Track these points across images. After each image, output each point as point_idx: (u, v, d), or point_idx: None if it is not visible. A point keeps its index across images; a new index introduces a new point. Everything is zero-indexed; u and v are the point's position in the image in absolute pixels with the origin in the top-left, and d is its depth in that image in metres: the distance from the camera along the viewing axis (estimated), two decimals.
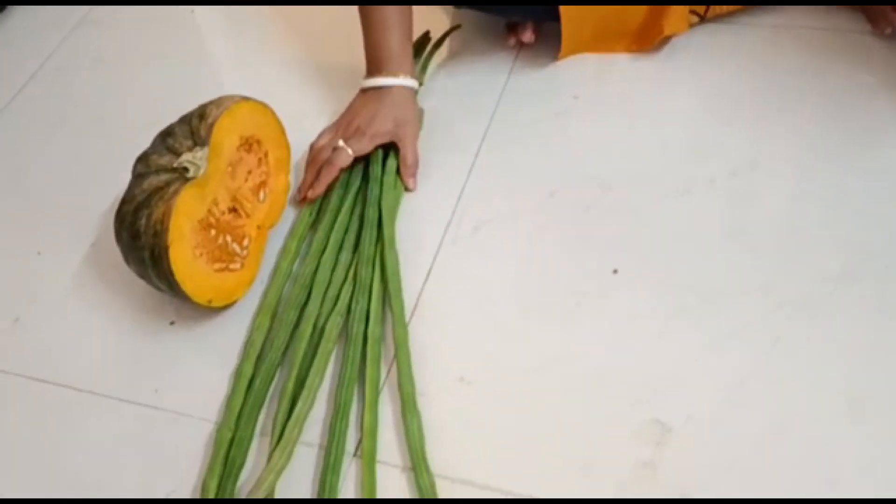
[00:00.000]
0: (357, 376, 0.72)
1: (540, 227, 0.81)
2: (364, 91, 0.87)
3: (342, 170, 0.84)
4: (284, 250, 0.81)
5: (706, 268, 0.76)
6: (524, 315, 0.75)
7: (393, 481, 0.67)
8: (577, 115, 0.90)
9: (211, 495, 0.66)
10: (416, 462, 0.67)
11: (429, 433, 0.69)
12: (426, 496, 0.65)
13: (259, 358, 0.74)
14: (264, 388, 0.72)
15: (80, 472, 0.72)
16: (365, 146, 0.84)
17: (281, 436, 0.68)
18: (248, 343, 0.75)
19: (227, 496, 0.66)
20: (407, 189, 0.85)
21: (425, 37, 0.97)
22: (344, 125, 0.86)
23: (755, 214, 0.78)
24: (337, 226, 0.81)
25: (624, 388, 0.70)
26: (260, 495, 0.64)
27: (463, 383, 0.72)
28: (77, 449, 0.74)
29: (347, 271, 0.78)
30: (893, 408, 0.66)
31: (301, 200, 0.85)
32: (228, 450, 0.69)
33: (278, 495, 0.67)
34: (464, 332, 0.75)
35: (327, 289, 0.77)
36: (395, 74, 0.85)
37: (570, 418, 0.69)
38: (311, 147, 0.87)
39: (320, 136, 0.87)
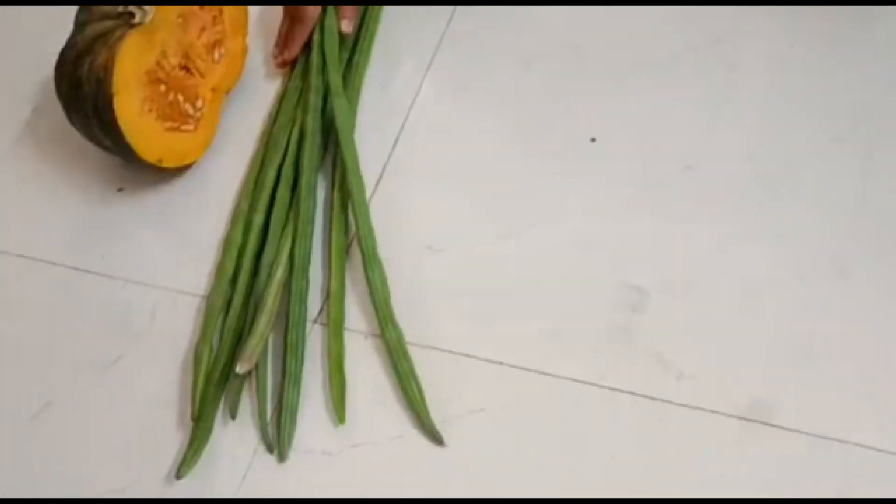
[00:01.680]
0: (308, 238, 0.67)
1: (515, 96, 0.76)
2: None
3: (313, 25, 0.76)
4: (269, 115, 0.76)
5: (687, 136, 0.72)
6: (497, 182, 0.71)
7: (358, 346, 0.64)
8: None
9: (204, 362, 0.62)
10: (382, 316, 0.63)
11: (396, 301, 0.65)
12: (393, 351, 0.62)
13: (246, 225, 0.69)
14: (253, 259, 0.68)
15: (18, 340, 0.68)
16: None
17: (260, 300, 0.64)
18: (235, 210, 0.70)
19: (221, 364, 0.62)
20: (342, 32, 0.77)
21: None
22: None
23: (739, 82, 0.74)
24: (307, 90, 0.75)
25: (599, 254, 0.67)
26: (250, 363, 0.61)
27: (431, 251, 0.68)
28: (17, 316, 0.69)
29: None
30: (878, 268, 0.64)
31: (278, 64, 0.78)
32: (225, 317, 0.65)
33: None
34: (433, 199, 0.71)
35: (298, 150, 0.72)
36: None
37: (543, 284, 0.66)
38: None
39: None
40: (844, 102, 0.72)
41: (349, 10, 0.78)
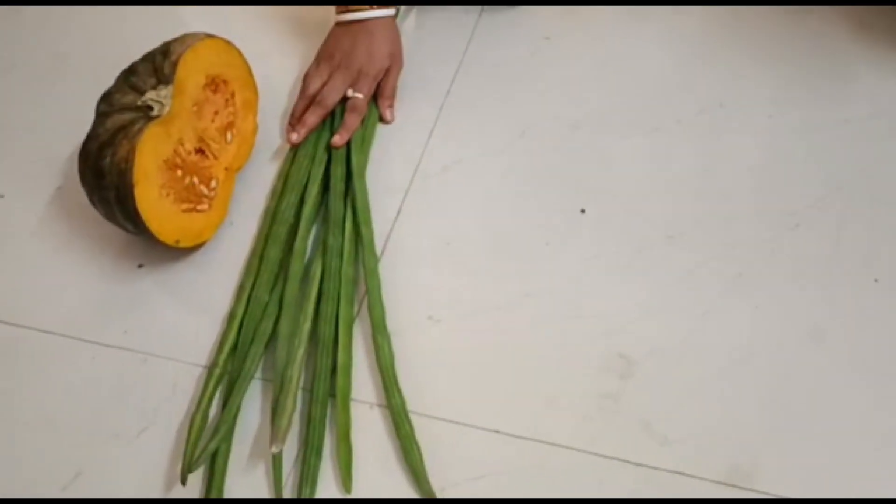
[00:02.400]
0: (334, 314, 0.72)
1: (509, 167, 0.81)
2: (344, 24, 0.84)
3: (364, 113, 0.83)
4: (274, 191, 0.80)
5: (672, 205, 0.76)
6: (493, 254, 0.76)
7: (366, 418, 0.68)
8: (547, 56, 0.89)
9: (195, 430, 0.67)
10: (388, 383, 0.68)
11: (398, 370, 0.70)
12: (398, 416, 0.66)
13: (248, 300, 0.74)
14: (253, 328, 0.72)
15: (48, 414, 0.72)
16: (372, 86, 0.83)
17: (282, 380, 0.68)
18: (241, 284, 0.75)
19: (216, 438, 0.66)
20: (384, 121, 0.84)
21: None
22: (343, 68, 0.83)
23: (721, 151, 0.79)
24: (314, 164, 0.80)
25: (589, 324, 0.71)
26: (279, 446, 0.65)
27: (431, 321, 0.73)
28: (44, 390, 0.74)
29: (319, 207, 0.78)
30: (852, 335, 0.68)
31: (292, 142, 0.83)
32: (215, 388, 0.70)
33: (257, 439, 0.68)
34: (432, 270, 0.76)
35: (308, 228, 0.77)
36: (374, 6, 0.83)
37: (537, 353, 0.70)
38: (307, 87, 0.84)
39: (313, 75, 0.84)
40: (822, 171, 0.76)
41: (389, 98, 0.85)
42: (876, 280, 0.70)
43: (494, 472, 0.65)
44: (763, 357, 0.68)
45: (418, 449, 0.65)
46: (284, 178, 0.81)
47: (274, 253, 0.76)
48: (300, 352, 0.69)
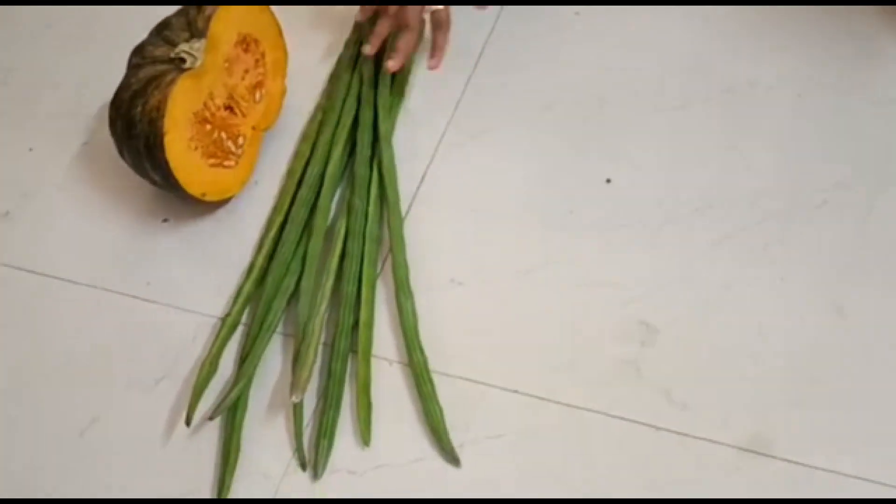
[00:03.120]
0: (357, 272, 0.72)
1: (535, 138, 0.81)
2: None
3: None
4: (298, 153, 0.81)
5: (697, 178, 0.76)
6: (517, 221, 0.76)
7: (384, 372, 0.69)
8: (576, 31, 0.89)
9: (202, 377, 0.67)
10: (410, 341, 0.68)
11: (420, 331, 0.70)
12: (419, 374, 0.66)
13: (272, 255, 0.74)
14: (276, 283, 0.72)
15: (68, 360, 0.73)
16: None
17: (304, 334, 0.68)
18: (261, 239, 0.75)
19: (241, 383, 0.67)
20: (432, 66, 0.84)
21: None
22: None
23: (749, 129, 0.79)
24: (339, 127, 0.80)
25: (611, 291, 0.71)
26: (299, 395, 0.65)
27: (454, 283, 0.73)
28: (66, 338, 0.75)
29: (345, 170, 0.78)
30: (876, 309, 0.67)
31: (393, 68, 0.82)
32: (227, 336, 0.70)
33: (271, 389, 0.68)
34: (456, 235, 0.76)
35: (334, 189, 0.77)
36: None
37: (558, 318, 0.70)
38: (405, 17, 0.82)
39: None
40: (851, 150, 0.76)
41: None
42: None
43: (512, 430, 0.65)
44: (785, 329, 0.67)
45: (439, 406, 0.66)
46: (311, 142, 0.81)
47: (298, 212, 0.76)
48: (322, 306, 0.70)
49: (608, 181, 0.77)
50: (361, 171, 0.77)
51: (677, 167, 0.77)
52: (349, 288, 0.71)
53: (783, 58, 0.83)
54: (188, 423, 0.65)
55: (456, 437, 0.65)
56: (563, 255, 0.73)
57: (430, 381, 0.67)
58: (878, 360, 0.65)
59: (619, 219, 0.75)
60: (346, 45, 0.87)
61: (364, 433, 0.65)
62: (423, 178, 0.80)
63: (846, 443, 0.62)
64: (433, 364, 0.68)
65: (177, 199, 0.79)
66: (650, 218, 0.74)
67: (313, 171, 0.78)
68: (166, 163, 0.72)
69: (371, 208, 0.75)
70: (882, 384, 0.64)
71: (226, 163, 0.78)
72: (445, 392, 0.67)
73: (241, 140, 0.79)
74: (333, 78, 0.85)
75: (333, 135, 0.80)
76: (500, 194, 0.78)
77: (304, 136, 0.82)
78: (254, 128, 0.81)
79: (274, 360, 0.70)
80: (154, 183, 0.77)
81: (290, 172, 0.80)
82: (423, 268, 0.74)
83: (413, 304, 0.70)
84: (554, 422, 0.65)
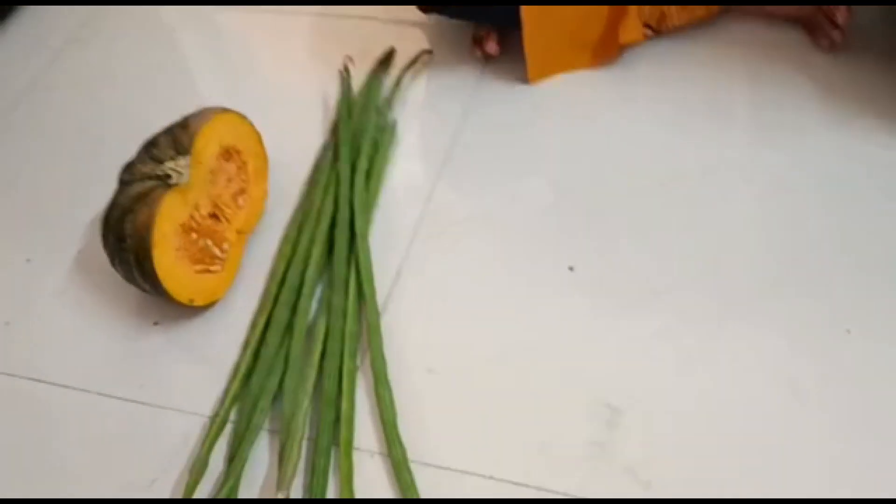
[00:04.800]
0: (338, 369, 0.76)
1: (502, 230, 0.87)
2: None
3: None
4: (280, 254, 0.86)
5: (657, 263, 0.81)
6: (487, 310, 0.81)
7: (368, 466, 0.72)
8: (539, 125, 0.95)
9: (194, 475, 0.70)
10: (389, 433, 0.72)
11: (398, 421, 0.74)
12: (397, 466, 0.70)
13: (257, 355, 0.79)
14: (261, 383, 0.76)
15: (66, 464, 0.76)
16: None
17: (288, 431, 0.72)
18: (247, 339, 0.80)
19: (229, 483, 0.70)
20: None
21: (389, 54, 1.03)
22: None
23: (704, 214, 0.84)
24: (318, 228, 0.86)
25: (578, 374, 0.75)
26: (285, 492, 0.68)
27: (430, 374, 0.77)
28: (64, 443, 0.78)
29: (324, 269, 0.83)
30: (829, 387, 0.71)
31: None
32: (216, 435, 0.74)
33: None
34: (430, 326, 0.80)
35: (313, 288, 0.82)
36: None
37: (529, 403, 0.74)
38: None
39: None
40: (804, 231, 0.81)
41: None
42: (848, 331, 0.74)
43: None
44: (742, 407, 0.71)
45: (417, 495, 0.69)
46: (292, 243, 0.86)
47: (281, 313, 0.81)
48: (305, 403, 0.74)
49: (571, 269, 0.82)
50: (340, 270, 0.82)
51: (636, 252, 0.82)
52: (330, 384, 0.75)
53: (729, 142, 0.90)
54: None
55: None
56: (532, 341, 0.78)
57: (409, 471, 0.70)
58: (832, 436, 0.69)
59: (583, 304, 0.79)
60: (324, 148, 0.93)
61: None
62: (398, 272, 0.84)
63: None
64: (412, 454, 0.72)
65: (166, 303, 0.83)
66: (612, 302, 0.79)
67: (294, 271, 0.83)
68: (155, 274, 0.77)
69: (350, 306, 0.80)
70: (838, 460, 0.68)
71: (212, 268, 0.83)
72: (424, 480, 0.70)
73: (225, 245, 0.85)
74: (312, 180, 0.91)
75: (312, 236, 0.86)
76: (471, 285, 0.82)
77: (285, 238, 0.88)
78: (238, 232, 0.86)
79: (261, 456, 0.74)
80: (144, 291, 0.81)
81: (272, 274, 0.85)
82: (400, 359, 0.78)
83: (391, 395, 0.75)
84: None
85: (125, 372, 0.82)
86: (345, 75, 1.00)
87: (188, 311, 0.83)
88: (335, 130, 0.94)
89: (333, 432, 0.73)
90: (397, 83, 1.00)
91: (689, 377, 0.73)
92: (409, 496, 0.69)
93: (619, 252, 0.83)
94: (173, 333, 0.83)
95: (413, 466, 0.71)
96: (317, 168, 0.92)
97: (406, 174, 0.92)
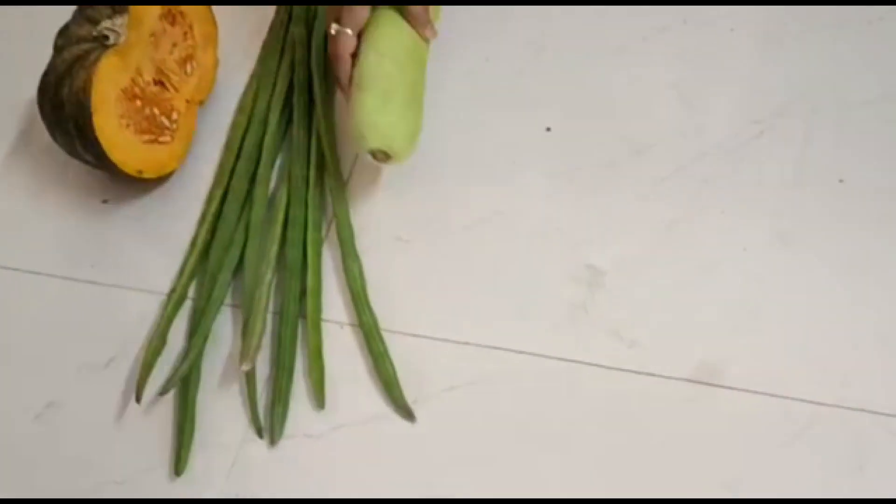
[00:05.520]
0: (302, 239, 0.72)
1: (475, 89, 0.81)
2: None
3: (353, 54, 0.72)
4: (234, 124, 0.79)
5: (638, 121, 0.76)
6: (459, 175, 0.76)
7: (336, 337, 0.68)
8: None
9: (150, 352, 0.67)
10: (358, 302, 0.68)
11: (369, 291, 0.70)
12: (369, 334, 0.66)
13: (215, 228, 0.74)
14: (220, 256, 0.72)
15: (18, 347, 0.73)
16: (361, 15, 0.71)
17: (251, 304, 0.68)
18: (203, 213, 0.75)
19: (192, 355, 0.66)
20: (425, 37, 0.74)
21: None
22: (329, 9, 0.72)
23: (684, 66, 0.78)
24: (274, 95, 0.79)
25: (557, 238, 0.71)
26: (249, 364, 0.65)
27: (400, 242, 0.73)
28: (16, 327, 0.74)
29: (283, 137, 0.77)
30: (816, 235, 0.68)
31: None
32: (174, 311, 0.70)
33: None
34: (400, 192, 0.75)
35: (273, 157, 0.77)
36: None
37: (506, 269, 0.70)
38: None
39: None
40: (788, 77, 0.76)
41: (421, 16, 0.73)
42: (841, 181, 0.70)
43: (466, 382, 0.65)
44: (729, 262, 0.68)
45: (391, 363, 0.66)
46: (248, 112, 0.80)
47: (238, 184, 0.75)
48: (268, 275, 0.69)
49: (548, 129, 0.77)
50: (299, 137, 0.76)
51: (617, 110, 0.77)
52: (294, 254, 0.71)
53: None
54: (138, 399, 0.65)
55: (410, 394, 0.65)
56: (508, 206, 0.73)
57: (381, 339, 0.67)
58: (821, 286, 0.66)
59: (562, 166, 0.75)
60: (277, 12, 0.86)
61: (319, 397, 0.65)
62: None
63: (794, 367, 0.63)
64: (384, 323, 0.68)
65: (115, 180, 0.78)
66: (592, 163, 0.74)
67: (250, 141, 0.77)
68: (98, 142, 0.71)
69: (312, 172, 0.75)
70: (825, 308, 0.65)
71: (161, 138, 0.77)
72: (397, 349, 0.67)
73: (174, 115, 0.78)
74: (266, 45, 0.84)
75: (269, 103, 0.79)
76: (441, 148, 0.77)
77: (239, 107, 0.81)
78: (187, 101, 0.80)
79: (224, 332, 0.70)
80: (89, 164, 0.75)
81: (227, 145, 0.79)
82: (368, 228, 0.73)
83: (360, 265, 0.70)
84: (507, 370, 0.65)
85: (75, 252, 0.77)
86: None
87: (139, 187, 0.78)
88: None
89: (300, 304, 0.69)
90: None
91: (672, 234, 0.69)
92: (382, 365, 0.66)
93: (599, 110, 0.77)
94: (124, 210, 0.78)
95: (385, 335, 0.67)
96: (271, 32, 0.85)
97: None
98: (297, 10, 0.84)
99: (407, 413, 0.64)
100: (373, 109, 0.69)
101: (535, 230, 0.72)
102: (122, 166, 0.73)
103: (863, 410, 0.60)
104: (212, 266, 0.71)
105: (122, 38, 0.73)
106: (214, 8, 0.83)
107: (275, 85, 0.80)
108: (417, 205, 0.74)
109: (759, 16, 0.81)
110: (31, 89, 0.86)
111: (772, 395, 0.62)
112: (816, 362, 0.63)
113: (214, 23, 0.83)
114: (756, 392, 0.62)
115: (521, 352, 0.66)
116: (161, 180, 0.78)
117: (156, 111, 0.76)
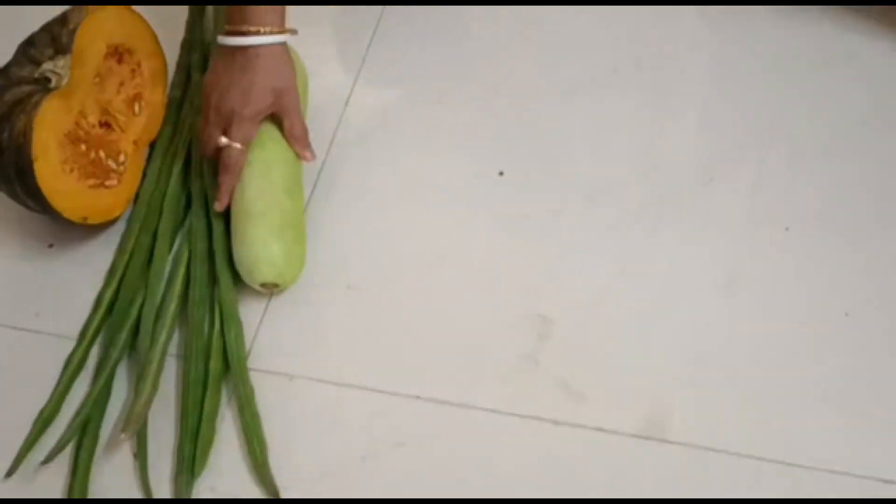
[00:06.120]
0: (207, 294, 0.71)
1: (428, 133, 0.80)
2: (225, 52, 0.71)
3: (241, 167, 0.72)
4: (149, 172, 0.78)
5: (588, 166, 0.76)
6: (411, 219, 0.75)
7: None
8: (467, 19, 0.88)
9: (39, 423, 0.66)
10: (237, 370, 0.67)
11: (317, 342, 0.70)
12: (243, 406, 0.66)
13: (120, 282, 0.72)
14: (124, 313, 0.70)
15: None
16: (250, 131, 0.72)
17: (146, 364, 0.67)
18: (111, 268, 0.74)
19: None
20: (304, 159, 0.75)
21: None
22: (214, 110, 0.72)
23: (636, 109, 0.79)
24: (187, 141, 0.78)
25: (508, 285, 0.71)
26: (132, 429, 0.64)
27: (350, 290, 0.72)
28: None
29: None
30: (759, 282, 0.69)
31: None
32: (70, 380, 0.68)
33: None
34: (351, 240, 0.75)
35: (182, 209, 0.76)
36: (262, 28, 0.70)
37: (456, 317, 0.70)
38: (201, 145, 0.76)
39: (200, 129, 0.75)
40: (732, 128, 0.77)
41: (301, 138, 0.74)
42: (787, 228, 0.71)
43: (416, 437, 0.65)
44: (677, 309, 0.68)
45: (260, 443, 0.64)
46: (160, 159, 0.78)
47: (143, 238, 0.74)
48: (162, 336, 0.68)
49: (501, 174, 0.77)
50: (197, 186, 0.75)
51: (568, 155, 0.77)
52: (198, 314, 0.69)
53: (660, 33, 0.84)
54: (9, 474, 0.64)
55: (357, 449, 0.64)
56: (459, 251, 0.73)
57: (254, 414, 0.65)
58: (766, 334, 0.67)
59: (513, 211, 0.75)
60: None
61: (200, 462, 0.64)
62: (315, 182, 0.78)
63: (739, 421, 0.63)
64: (331, 376, 0.67)
65: (61, 222, 0.76)
66: (543, 208, 0.74)
67: (157, 191, 0.76)
68: (39, 190, 0.69)
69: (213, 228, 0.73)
70: (771, 361, 0.66)
71: (107, 182, 0.75)
72: (346, 402, 0.66)
73: (122, 157, 0.77)
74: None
75: (175, 150, 0.78)
76: (393, 193, 0.77)
77: (154, 153, 0.79)
78: (135, 142, 0.78)
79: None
80: (33, 210, 0.74)
81: (142, 192, 0.77)
82: (320, 274, 0.73)
83: (239, 329, 0.69)
84: (456, 425, 0.65)
85: (19, 299, 0.75)
86: None
87: (86, 230, 0.76)
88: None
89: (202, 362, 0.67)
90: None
91: (622, 282, 0.70)
92: (251, 444, 0.64)
93: (551, 155, 0.77)
94: (71, 255, 0.76)
95: (330, 388, 0.67)
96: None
97: (321, 79, 0.84)
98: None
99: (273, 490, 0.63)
100: (264, 243, 0.69)
101: (484, 277, 0.71)
102: (65, 214, 0.71)
103: (805, 467, 0.61)
104: (112, 324, 0.70)
105: (65, 80, 0.72)
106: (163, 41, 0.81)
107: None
108: (368, 250, 0.74)
109: (707, 59, 0.81)
110: None
111: (717, 451, 0.62)
112: (761, 417, 0.63)
113: (163, 59, 0.82)
114: (701, 447, 0.62)
115: (470, 406, 0.65)
116: (108, 223, 0.77)
117: (101, 154, 0.75)
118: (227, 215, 0.73)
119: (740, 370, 0.65)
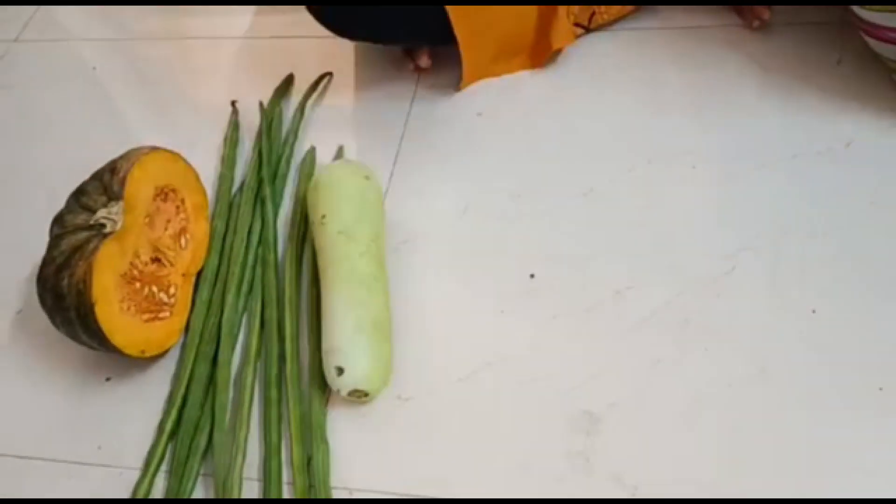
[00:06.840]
0: (279, 416, 0.74)
1: (456, 244, 0.85)
2: None
3: None
4: (198, 302, 0.82)
5: (615, 262, 0.80)
6: (448, 328, 0.79)
7: None
8: (482, 132, 0.94)
9: None
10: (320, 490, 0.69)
11: (371, 454, 0.72)
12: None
13: (181, 411, 0.75)
14: (188, 442, 0.73)
15: None
16: None
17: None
18: (169, 397, 0.77)
19: None
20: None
21: (288, 80, 1.01)
22: None
23: (653, 206, 0.83)
24: (238, 270, 0.83)
25: (550, 384, 0.73)
26: None
27: (400, 400, 0.75)
28: None
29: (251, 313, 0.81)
30: (796, 369, 0.71)
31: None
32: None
33: None
34: (394, 351, 0.78)
35: (236, 335, 0.80)
36: None
37: (503, 420, 0.72)
38: None
39: None
40: (751, 212, 0.81)
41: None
42: (813, 311, 0.74)
43: None
44: (715, 399, 0.71)
45: None
46: (209, 289, 0.83)
47: (200, 367, 0.77)
48: (238, 459, 0.71)
49: (532, 276, 0.81)
50: (269, 314, 0.80)
51: (594, 253, 0.81)
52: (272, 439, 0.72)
53: (674, 131, 0.89)
54: None
55: None
56: (499, 355, 0.76)
57: None
58: (805, 417, 0.69)
59: (547, 311, 0.78)
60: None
61: None
62: None
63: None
64: (392, 488, 0.69)
65: (118, 356, 0.79)
66: (576, 306, 0.78)
67: (212, 320, 0.80)
68: (100, 331, 0.73)
69: (288, 345, 0.77)
70: (815, 440, 0.68)
71: (161, 315, 0.79)
72: None
73: (172, 289, 0.81)
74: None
75: (226, 280, 0.83)
76: (429, 304, 0.80)
77: (202, 282, 0.83)
78: (183, 274, 0.83)
79: None
80: (92, 348, 0.77)
81: (192, 322, 0.81)
82: None
83: (327, 449, 0.71)
84: None
85: (80, 434, 0.77)
86: (264, 107, 0.98)
87: (141, 361, 0.79)
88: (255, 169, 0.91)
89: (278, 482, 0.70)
90: (300, 109, 0.97)
91: (661, 374, 0.72)
92: None
93: (578, 253, 0.81)
94: (128, 387, 0.79)
95: (389, 498, 0.69)
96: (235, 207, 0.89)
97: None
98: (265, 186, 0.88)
99: None
100: (371, 353, 0.74)
101: (527, 378, 0.74)
102: (125, 350, 0.75)
103: None
104: (179, 452, 0.73)
105: (119, 225, 0.76)
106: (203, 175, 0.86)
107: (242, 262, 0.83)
108: (411, 361, 0.77)
109: (717, 153, 0.86)
110: (26, 269, 0.89)
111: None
112: (812, 493, 0.65)
113: (204, 192, 0.87)
114: None
115: None
116: (163, 353, 0.80)
117: (154, 289, 0.79)
118: (297, 343, 0.77)
119: (782, 455, 0.67)
